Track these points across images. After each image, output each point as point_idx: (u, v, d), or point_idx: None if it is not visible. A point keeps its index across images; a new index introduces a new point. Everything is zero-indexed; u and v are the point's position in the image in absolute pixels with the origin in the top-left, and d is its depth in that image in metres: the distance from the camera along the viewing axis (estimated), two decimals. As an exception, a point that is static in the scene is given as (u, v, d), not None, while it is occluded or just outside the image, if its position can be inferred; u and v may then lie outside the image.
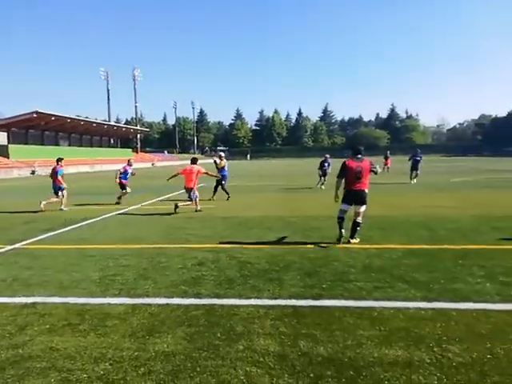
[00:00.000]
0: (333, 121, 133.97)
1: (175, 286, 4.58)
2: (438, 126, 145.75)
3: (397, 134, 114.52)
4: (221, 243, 6.78)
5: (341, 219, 6.80)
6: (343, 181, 6.84)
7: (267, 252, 6.12)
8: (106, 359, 3.02)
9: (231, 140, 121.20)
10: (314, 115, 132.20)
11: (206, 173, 11.41)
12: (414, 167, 19.26)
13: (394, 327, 3.49)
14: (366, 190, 6.73)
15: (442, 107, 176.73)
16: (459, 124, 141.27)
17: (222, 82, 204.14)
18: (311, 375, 2.74)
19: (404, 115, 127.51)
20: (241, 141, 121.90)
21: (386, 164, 27.72)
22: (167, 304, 4.06)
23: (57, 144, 57.92)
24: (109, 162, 56.03)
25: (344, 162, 6.81)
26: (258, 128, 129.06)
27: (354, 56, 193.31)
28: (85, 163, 52.10)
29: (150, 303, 4.09)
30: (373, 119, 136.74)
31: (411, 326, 3.50)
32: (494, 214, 9.42)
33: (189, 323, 3.60)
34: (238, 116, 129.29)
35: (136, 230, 8.26)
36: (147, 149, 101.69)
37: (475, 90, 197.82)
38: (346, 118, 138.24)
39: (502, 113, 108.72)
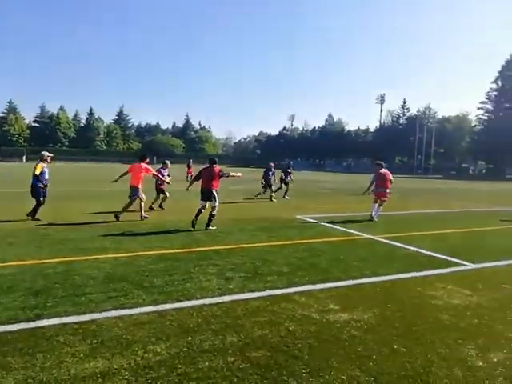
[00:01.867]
0: (129, 125, 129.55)
1: None
2: (226, 138, 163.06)
3: (192, 144, 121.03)
4: None
5: (198, 211, 8.82)
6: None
7: (-8, 272, 5.17)
8: None
9: (1, 137, 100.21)
10: (108, 117, 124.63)
11: (157, 176, 10.80)
12: (284, 182, 17.68)
13: (108, 337, 3.47)
14: (213, 190, 8.79)
15: (230, 122, 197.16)
16: (244, 138, 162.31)
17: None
18: (-24, 416, 2.37)
19: (198, 126, 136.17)
20: (14, 139, 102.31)
21: (189, 173, 27.15)
22: None
23: None
24: None
25: (201, 169, 9.09)
26: (38, 125, 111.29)
27: (152, 61, 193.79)
28: None
29: None
30: (170, 127, 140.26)
31: (126, 333, 3.56)
32: (245, 216, 11.00)
33: None
34: (12, 109, 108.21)
35: None
36: None
37: (257, 109, 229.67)
38: (143, 124, 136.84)
39: (275, 131, 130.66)
